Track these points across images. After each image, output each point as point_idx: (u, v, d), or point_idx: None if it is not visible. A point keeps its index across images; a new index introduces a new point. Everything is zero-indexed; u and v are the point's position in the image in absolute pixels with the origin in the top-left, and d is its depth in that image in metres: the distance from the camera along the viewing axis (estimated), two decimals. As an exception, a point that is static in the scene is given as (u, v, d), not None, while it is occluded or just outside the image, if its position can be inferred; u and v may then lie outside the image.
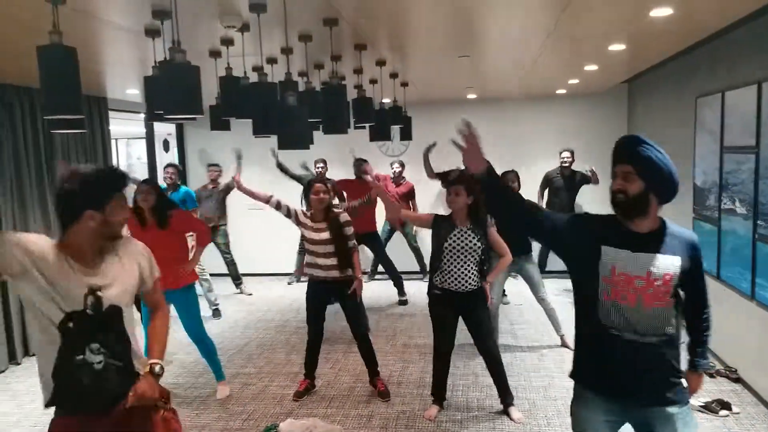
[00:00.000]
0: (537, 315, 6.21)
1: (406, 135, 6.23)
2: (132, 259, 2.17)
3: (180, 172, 6.86)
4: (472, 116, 8.24)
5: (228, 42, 3.71)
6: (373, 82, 5.34)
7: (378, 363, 4.50)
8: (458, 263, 3.79)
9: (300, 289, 7.62)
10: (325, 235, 4.18)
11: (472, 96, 7.76)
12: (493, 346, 4.04)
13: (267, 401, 4.41)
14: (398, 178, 7.53)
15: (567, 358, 5.08)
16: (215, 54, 4.01)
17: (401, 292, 7.08)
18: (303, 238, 4.36)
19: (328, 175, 7.38)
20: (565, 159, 7.25)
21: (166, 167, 6.65)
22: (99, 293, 2.01)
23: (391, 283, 7.16)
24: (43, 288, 1.93)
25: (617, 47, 4.61)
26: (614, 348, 2.06)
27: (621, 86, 7.67)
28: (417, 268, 7.94)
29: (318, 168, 7.53)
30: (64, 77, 2.29)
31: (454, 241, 3.79)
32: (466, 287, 3.81)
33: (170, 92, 2.38)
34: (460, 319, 3.99)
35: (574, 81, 6.57)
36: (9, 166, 5.26)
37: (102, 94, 6.38)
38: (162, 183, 6.40)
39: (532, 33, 4.07)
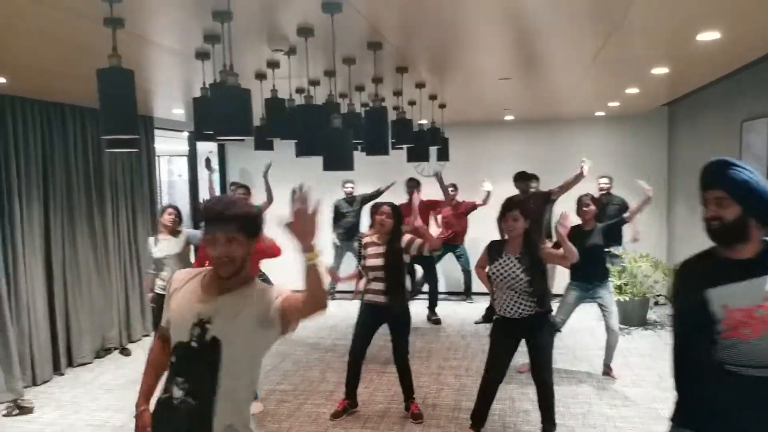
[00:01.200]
0: (576, 340, 6.11)
1: (443, 156, 6.25)
2: (254, 301, 2.00)
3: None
4: (509, 138, 8.20)
5: (274, 65, 3.81)
6: (411, 103, 5.40)
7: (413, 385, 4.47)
8: (505, 290, 3.73)
9: (334, 306, 7.66)
10: (381, 261, 4.22)
11: (509, 117, 7.76)
12: (549, 376, 3.91)
13: (302, 419, 4.42)
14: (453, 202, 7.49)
15: (606, 385, 4.97)
16: (260, 76, 4.11)
17: (434, 311, 7.09)
18: (361, 259, 4.40)
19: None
20: (603, 185, 7.03)
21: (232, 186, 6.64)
22: (207, 325, 1.94)
23: (425, 303, 7.16)
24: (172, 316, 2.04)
25: (660, 70, 4.57)
26: (736, 387, 1.88)
27: (661, 109, 7.56)
28: (460, 288, 7.95)
29: (348, 187, 7.60)
30: (121, 99, 2.39)
31: (498, 270, 3.72)
32: (521, 313, 3.71)
33: (221, 114, 2.45)
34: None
35: (614, 104, 6.52)
36: (61, 182, 5.46)
37: (149, 113, 6.60)
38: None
39: (578, 57, 4.06)
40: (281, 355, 5.94)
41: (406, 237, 4.28)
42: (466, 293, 7.88)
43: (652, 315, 6.97)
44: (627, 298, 6.53)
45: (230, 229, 1.93)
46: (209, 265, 2.09)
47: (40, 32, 3.03)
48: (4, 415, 4.55)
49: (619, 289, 6.63)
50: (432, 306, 7.14)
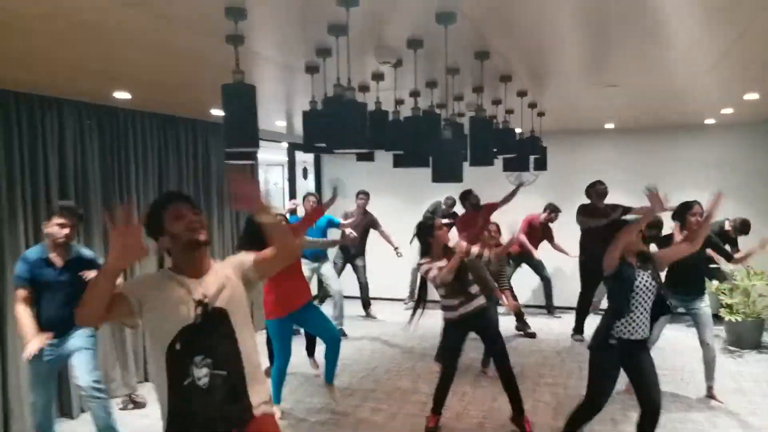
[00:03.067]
0: (684, 361, 5.75)
1: (540, 165, 6.10)
2: (225, 270, 2.19)
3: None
4: (609, 147, 7.90)
5: (378, 77, 3.86)
6: (509, 111, 5.30)
7: (523, 401, 4.33)
8: (642, 309, 3.48)
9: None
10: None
11: (609, 126, 7.46)
12: (657, 397, 3.63)
13: (397, 429, 4.43)
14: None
15: (718, 411, 4.64)
16: (364, 88, 4.18)
17: (525, 323, 6.95)
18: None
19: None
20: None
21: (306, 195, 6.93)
22: (206, 301, 2.06)
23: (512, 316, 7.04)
24: (153, 316, 2.02)
25: (787, 75, 4.24)
26: None
27: (778, 116, 7.00)
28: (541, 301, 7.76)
29: (360, 199, 7.54)
30: (244, 113, 2.50)
31: (641, 284, 3.47)
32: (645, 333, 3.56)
33: (337, 127, 2.51)
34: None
35: (727, 110, 6.11)
36: (174, 189, 5.80)
37: (252, 124, 6.87)
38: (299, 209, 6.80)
39: (694, 63, 3.85)
40: (374, 362, 5.99)
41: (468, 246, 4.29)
42: (548, 306, 7.70)
43: (767, 337, 6.45)
44: (739, 319, 6.08)
45: (191, 204, 2.15)
46: (186, 245, 2.12)
47: (162, 48, 3.22)
48: (120, 409, 4.86)
49: (730, 309, 6.20)
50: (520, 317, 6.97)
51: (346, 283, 7.59)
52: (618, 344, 3.50)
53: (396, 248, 7.33)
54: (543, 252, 7.53)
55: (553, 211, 7.33)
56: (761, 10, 2.69)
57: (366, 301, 7.89)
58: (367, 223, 7.45)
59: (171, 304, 2.03)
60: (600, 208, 6.35)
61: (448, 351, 4.36)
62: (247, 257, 2.22)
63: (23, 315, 3.60)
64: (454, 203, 7.67)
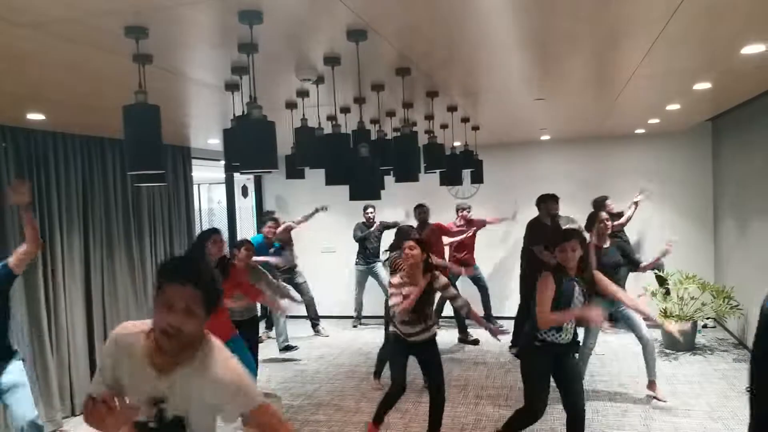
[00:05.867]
0: (621, 366, 5.86)
1: (477, 178, 6.15)
2: (214, 376, 1.76)
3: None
4: (546, 158, 8.10)
5: (303, 94, 3.81)
6: (443, 126, 5.34)
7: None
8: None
9: (368, 333, 7.59)
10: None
11: (545, 137, 7.62)
12: (581, 402, 3.71)
13: (337, 451, 4.34)
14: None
15: (654, 415, 4.72)
16: (291, 105, 4.12)
17: (466, 332, 7.03)
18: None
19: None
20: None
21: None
22: (162, 405, 1.72)
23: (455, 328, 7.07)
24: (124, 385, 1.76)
25: (703, 86, 4.40)
26: None
27: (704, 124, 7.29)
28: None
29: (369, 213, 7.63)
30: (147, 134, 2.40)
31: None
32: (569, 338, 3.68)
33: (246, 146, 2.44)
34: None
35: (654, 120, 6.32)
36: (100, 212, 5.58)
37: (186, 143, 6.72)
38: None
39: (615, 74, 3.95)
40: (317, 383, 5.87)
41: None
42: (487, 316, 7.74)
43: (701, 339, 6.65)
44: (673, 322, 6.24)
45: (190, 295, 1.66)
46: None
47: (71, 68, 3.09)
48: (46, 447, 4.60)
49: (664, 313, 6.36)
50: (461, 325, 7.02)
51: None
52: (543, 347, 3.59)
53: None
54: (481, 261, 7.63)
55: (460, 209, 7.36)
56: (669, 24, 2.76)
57: (314, 318, 7.75)
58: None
59: (133, 384, 1.75)
60: (547, 226, 6.29)
61: (395, 365, 4.26)
62: (250, 401, 1.78)
63: None
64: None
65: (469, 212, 7.35)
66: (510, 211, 7.46)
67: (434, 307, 4.27)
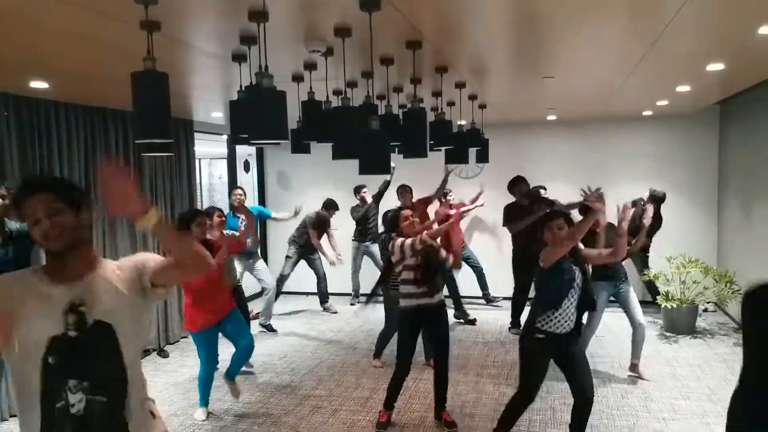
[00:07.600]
0: (621, 348, 5.88)
1: (482, 157, 6.10)
2: (116, 272, 1.83)
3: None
4: (552, 138, 8.06)
5: (311, 66, 3.75)
6: (450, 104, 5.27)
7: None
8: (568, 303, 3.52)
9: (369, 311, 7.60)
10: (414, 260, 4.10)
11: (552, 117, 7.55)
12: (590, 391, 3.66)
13: (337, 426, 4.35)
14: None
15: (654, 396, 4.75)
16: (298, 78, 4.06)
17: (464, 311, 7.05)
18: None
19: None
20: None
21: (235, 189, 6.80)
22: (82, 308, 1.70)
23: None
24: (20, 328, 1.65)
25: (715, 67, 4.33)
26: None
27: (713, 107, 7.23)
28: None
29: (363, 193, 7.66)
30: (155, 103, 2.35)
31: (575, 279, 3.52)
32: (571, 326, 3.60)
33: (256, 117, 2.40)
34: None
35: (662, 102, 6.25)
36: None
37: (188, 116, 6.64)
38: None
39: (626, 53, 3.88)
40: (317, 359, 5.90)
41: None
42: (485, 297, 7.76)
43: (701, 323, 6.67)
44: (674, 305, 6.26)
45: (54, 196, 1.71)
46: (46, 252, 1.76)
47: (74, 35, 3.03)
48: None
49: (666, 296, 6.37)
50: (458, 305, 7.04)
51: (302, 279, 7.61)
52: (546, 338, 3.53)
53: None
54: (474, 244, 7.62)
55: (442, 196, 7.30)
56: (683, 4, 2.70)
57: (324, 295, 7.79)
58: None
59: (35, 313, 1.69)
60: (525, 206, 6.38)
61: (402, 345, 4.24)
62: (148, 260, 1.85)
63: None
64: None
65: (452, 198, 7.41)
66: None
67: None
